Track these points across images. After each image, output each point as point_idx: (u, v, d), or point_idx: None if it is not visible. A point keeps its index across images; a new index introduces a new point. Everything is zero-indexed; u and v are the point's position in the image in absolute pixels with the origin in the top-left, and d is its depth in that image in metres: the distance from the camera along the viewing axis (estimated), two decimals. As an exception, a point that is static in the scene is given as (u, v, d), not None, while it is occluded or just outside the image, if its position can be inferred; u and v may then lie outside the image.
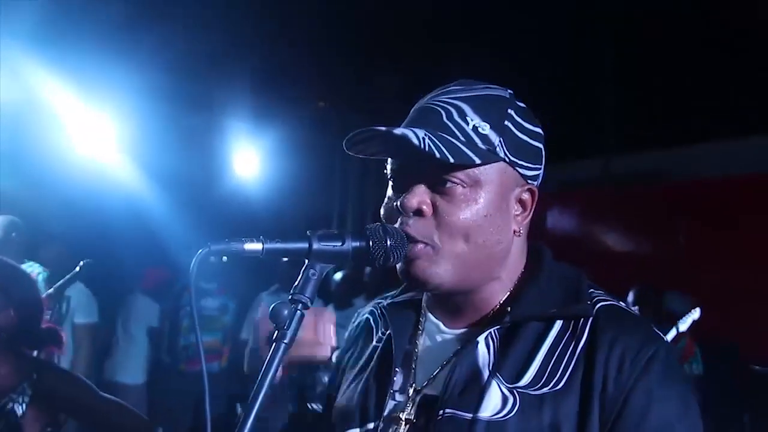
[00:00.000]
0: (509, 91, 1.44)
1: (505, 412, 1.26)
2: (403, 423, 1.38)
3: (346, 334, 1.72)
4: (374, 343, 1.59)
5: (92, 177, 7.14)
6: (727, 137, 8.10)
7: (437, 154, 1.26)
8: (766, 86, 7.22)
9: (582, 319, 1.34)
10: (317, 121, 9.52)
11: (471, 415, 1.28)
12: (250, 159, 9.31)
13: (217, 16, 7.14)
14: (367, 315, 1.69)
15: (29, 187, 6.48)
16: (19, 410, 2.49)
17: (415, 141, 1.26)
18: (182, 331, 6.91)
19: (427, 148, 1.26)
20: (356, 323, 1.71)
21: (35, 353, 2.75)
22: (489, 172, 1.34)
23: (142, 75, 6.91)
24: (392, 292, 1.66)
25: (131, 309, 7.24)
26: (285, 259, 1.24)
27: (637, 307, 5.74)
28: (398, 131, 1.28)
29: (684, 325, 5.44)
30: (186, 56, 7.27)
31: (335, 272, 7.79)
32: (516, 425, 1.25)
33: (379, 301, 1.67)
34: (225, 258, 1.19)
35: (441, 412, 1.31)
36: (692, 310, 5.46)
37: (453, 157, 1.27)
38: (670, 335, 5.40)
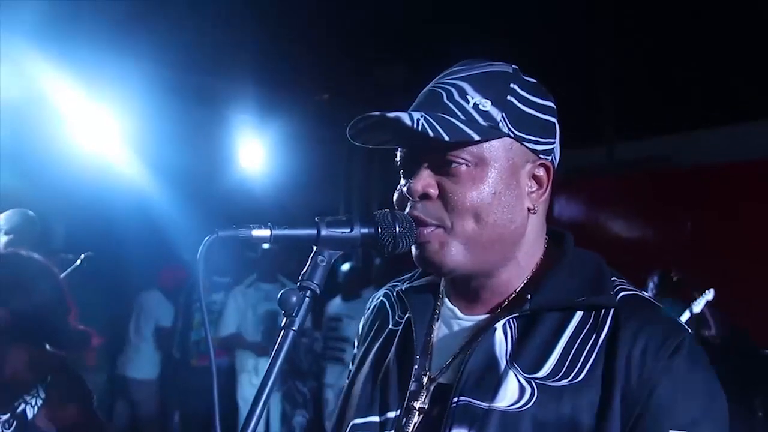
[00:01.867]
0: (513, 66, 1.41)
1: (522, 402, 1.24)
2: (417, 412, 1.36)
3: (361, 322, 1.70)
4: (391, 326, 1.57)
5: (96, 172, 7.14)
6: (732, 123, 8.09)
7: (431, 133, 1.25)
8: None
9: (603, 310, 1.31)
10: (322, 113, 9.50)
11: (486, 405, 1.25)
12: (254, 152, 9.31)
13: (220, 10, 7.13)
14: (382, 298, 1.67)
15: (32, 183, 6.48)
16: (30, 413, 2.47)
17: (408, 122, 1.25)
18: (194, 326, 6.91)
19: (420, 128, 1.25)
20: (371, 308, 1.69)
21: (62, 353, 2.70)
22: (494, 149, 1.32)
23: (146, 69, 6.91)
24: (407, 276, 1.64)
25: (143, 306, 7.28)
26: (264, 246, 1.23)
27: (655, 291, 5.77)
28: (392, 114, 1.27)
29: (698, 306, 5.45)
30: (190, 50, 7.26)
31: (343, 262, 7.81)
32: (533, 416, 1.22)
33: (395, 284, 1.64)
34: (232, 247, 1.19)
35: (455, 399, 1.28)
36: (706, 292, 5.46)
37: (448, 135, 1.26)
38: (684, 317, 5.41)
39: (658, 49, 8.13)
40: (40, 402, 2.48)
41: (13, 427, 2.41)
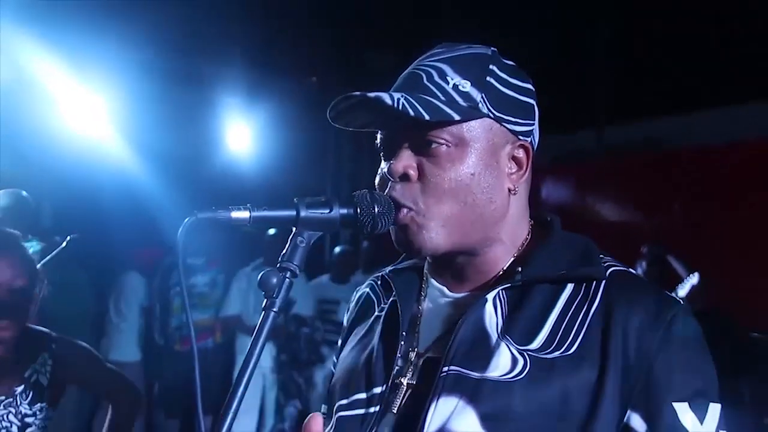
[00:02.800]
0: (492, 48, 1.42)
1: (514, 373, 1.24)
2: (404, 387, 1.36)
3: (346, 314, 1.71)
4: (377, 312, 1.57)
5: (84, 154, 7.12)
6: (721, 104, 8.09)
7: (411, 112, 1.25)
8: (762, 52, 7.20)
9: (594, 283, 1.32)
10: (310, 96, 9.49)
11: (478, 374, 1.25)
12: (242, 135, 9.30)
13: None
14: (366, 290, 1.68)
15: (20, 165, 6.46)
16: (44, 381, 2.52)
17: (389, 101, 1.25)
18: (173, 311, 6.87)
19: (401, 107, 1.25)
20: (356, 299, 1.70)
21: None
22: (474, 130, 1.32)
23: (134, 51, 6.90)
24: (393, 263, 1.64)
25: (123, 287, 7.23)
26: (271, 231, 1.24)
27: (645, 266, 5.79)
28: (372, 95, 1.27)
29: (683, 290, 5.46)
30: (177, 32, 7.23)
31: (333, 246, 7.81)
32: (525, 387, 1.22)
33: (380, 273, 1.64)
34: (213, 229, 1.18)
35: (445, 369, 1.28)
36: (690, 275, 5.48)
37: (429, 115, 1.26)
38: None
39: (649, 32, 8.13)
40: (49, 369, 2.54)
41: (30, 397, 2.47)
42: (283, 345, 6.86)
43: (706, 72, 7.88)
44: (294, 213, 1.25)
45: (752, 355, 5.65)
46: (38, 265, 2.59)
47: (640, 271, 5.78)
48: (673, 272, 5.76)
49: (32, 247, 5.04)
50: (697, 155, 7.71)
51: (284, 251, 1.26)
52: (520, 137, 1.39)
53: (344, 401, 1.43)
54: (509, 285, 1.35)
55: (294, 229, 1.27)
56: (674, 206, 7.73)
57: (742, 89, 7.65)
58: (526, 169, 1.40)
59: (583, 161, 9.37)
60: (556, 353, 1.25)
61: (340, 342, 1.68)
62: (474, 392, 1.24)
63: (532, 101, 1.42)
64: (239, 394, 1.16)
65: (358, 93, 1.29)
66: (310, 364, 7.00)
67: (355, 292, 1.73)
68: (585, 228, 1.51)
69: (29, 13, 5.78)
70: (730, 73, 7.64)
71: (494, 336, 1.29)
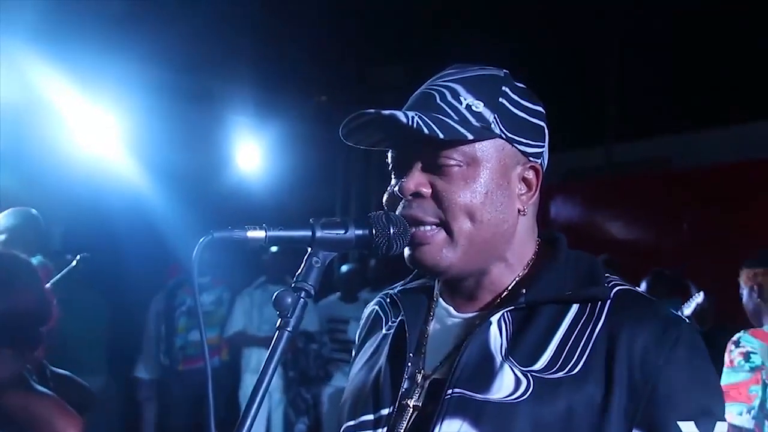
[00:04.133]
0: (504, 70, 1.43)
1: (518, 394, 1.23)
2: (411, 410, 1.35)
3: (357, 331, 1.71)
4: (384, 331, 1.57)
5: (94, 172, 7.14)
6: (729, 123, 8.11)
7: (426, 131, 1.26)
8: (768, 73, 7.22)
9: (599, 303, 1.32)
10: (319, 114, 9.51)
11: (482, 396, 1.25)
12: (252, 153, 9.31)
13: (218, 10, 7.13)
14: (375, 307, 1.68)
15: (30, 184, 6.48)
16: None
17: (404, 119, 1.26)
18: (178, 331, 6.88)
19: (415, 126, 1.26)
20: (365, 317, 1.70)
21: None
22: (486, 150, 1.33)
23: (143, 70, 6.91)
24: (402, 282, 1.64)
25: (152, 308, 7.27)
26: (273, 249, 1.24)
27: (649, 289, 5.77)
28: (387, 112, 1.28)
29: (688, 309, 5.43)
30: (188, 51, 7.26)
31: (340, 264, 7.80)
32: (529, 408, 1.22)
33: (388, 291, 1.64)
34: (228, 249, 1.19)
35: (449, 392, 1.28)
36: (696, 294, 5.45)
37: (443, 133, 1.27)
38: None
39: (658, 51, 8.15)
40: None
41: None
42: (291, 361, 6.85)
43: (715, 91, 7.89)
44: (310, 233, 1.26)
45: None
46: (48, 285, 2.56)
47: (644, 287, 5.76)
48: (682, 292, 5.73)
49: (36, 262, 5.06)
50: (706, 173, 7.71)
51: (299, 271, 1.26)
52: (531, 159, 1.39)
53: (352, 422, 1.43)
54: (513, 307, 1.35)
55: (309, 249, 1.27)
56: (683, 224, 7.72)
57: (750, 108, 7.66)
58: (536, 190, 1.41)
59: (593, 178, 9.37)
60: (560, 373, 1.25)
61: (352, 360, 1.68)
62: (478, 414, 1.24)
63: (542, 123, 1.42)
64: (252, 413, 1.16)
65: (372, 111, 1.30)
66: (318, 381, 6.98)
67: (365, 309, 1.73)
68: (593, 245, 1.52)
69: (39, 33, 5.80)
70: (738, 93, 7.65)
71: (498, 358, 1.30)
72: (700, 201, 7.51)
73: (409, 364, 1.41)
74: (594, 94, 9.21)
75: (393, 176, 1.42)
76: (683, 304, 5.45)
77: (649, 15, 7.69)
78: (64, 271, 5.03)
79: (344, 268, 7.55)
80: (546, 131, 1.43)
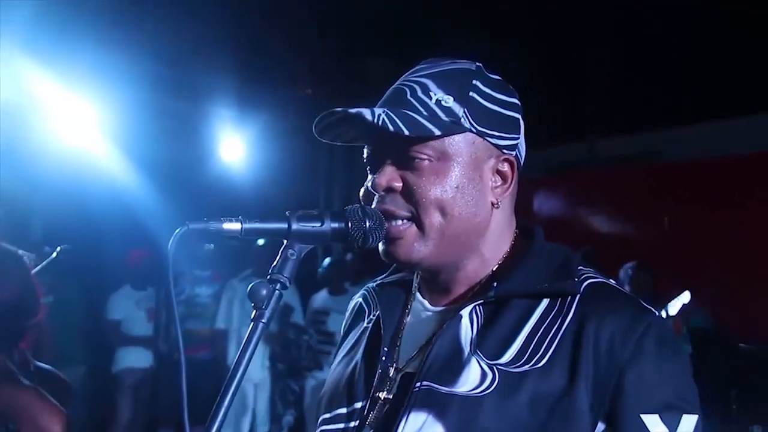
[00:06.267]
0: (477, 63, 1.43)
1: (482, 388, 1.25)
2: (382, 402, 1.37)
3: (338, 322, 1.72)
4: (365, 324, 1.58)
5: (75, 164, 7.10)
6: (713, 119, 8.15)
7: (391, 128, 1.27)
8: (752, 68, 7.25)
9: (569, 297, 1.32)
10: (303, 107, 9.49)
11: (447, 389, 1.27)
12: (235, 145, 9.28)
13: (202, 2, 7.10)
14: (359, 299, 1.69)
15: (10, 175, 6.43)
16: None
17: (369, 117, 1.28)
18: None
19: (381, 123, 1.27)
20: (350, 310, 1.72)
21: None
22: (456, 144, 1.34)
23: (126, 62, 6.87)
24: (382, 275, 1.66)
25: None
26: (261, 241, 1.24)
27: (632, 279, 5.79)
28: (354, 110, 1.29)
29: (673, 308, 5.46)
30: (171, 43, 7.23)
31: (324, 257, 7.80)
32: (493, 402, 1.23)
33: (370, 284, 1.66)
34: (206, 240, 1.19)
35: (417, 384, 1.30)
36: (681, 294, 5.48)
37: (409, 130, 1.28)
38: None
39: (641, 46, 8.18)
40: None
41: None
42: (281, 354, 6.85)
43: (697, 86, 7.93)
44: (285, 226, 1.26)
45: (740, 365, 5.68)
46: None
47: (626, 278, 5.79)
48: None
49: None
50: (688, 169, 7.76)
51: (275, 263, 1.27)
52: (504, 151, 1.40)
53: (327, 415, 1.46)
54: (483, 300, 1.36)
55: (285, 241, 1.28)
56: (665, 218, 7.76)
57: (734, 104, 7.70)
58: (511, 182, 1.42)
59: (576, 173, 9.41)
60: (526, 366, 1.26)
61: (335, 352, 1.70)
62: (442, 407, 1.25)
63: (516, 115, 1.43)
64: (225, 404, 1.17)
65: (340, 109, 1.31)
66: (309, 371, 6.99)
67: (351, 301, 1.74)
68: (577, 239, 1.53)
69: (20, 25, 5.76)
70: (722, 88, 7.69)
71: (466, 350, 1.31)
72: (682, 196, 7.55)
73: (383, 358, 1.43)
74: (577, 88, 9.24)
75: (368, 171, 1.43)
76: (667, 303, 5.48)
77: (633, 9, 7.71)
78: (44, 262, 5.01)
79: (327, 260, 7.55)
80: (521, 123, 1.44)
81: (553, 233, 1.49)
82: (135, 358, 7.17)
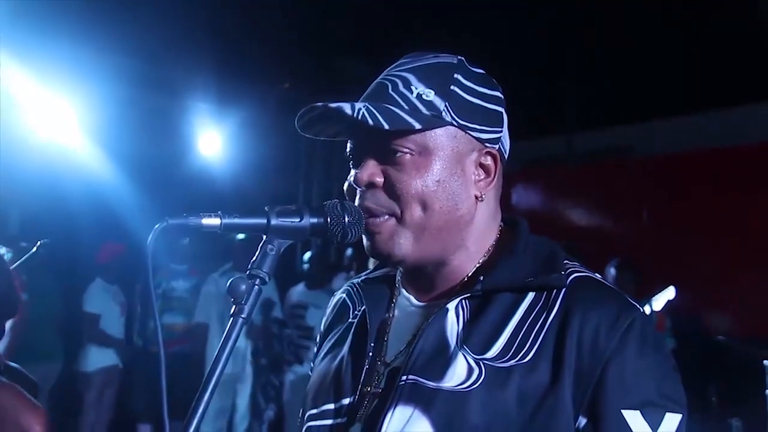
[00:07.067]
0: (459, 57, 1.43)
1: (469, 383, 1.24)
2: (371, 397, 1.37)
3: (316, 317, 1.72)
4: (350, 320, 1.57)
5: (52, 159, 7.07)
6: (690, 113, 8.20)
7: (371, 122, 1.26)
8: (727, 61, 7.30)
9: (555, 290, 1.32)
10: (281, 102, 9.47)
11: (434, 384, 1.26)
12: (213, 140, 9.26)
13: (179, -2, 7.07)
14: (342, 295, 1.68)
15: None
16: None
17: (349, 111, 1.27)
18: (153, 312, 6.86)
19: (360, 117, 1.26)
20: (332, 304, 1.70)
21: None
22: (438, 138, 1.33)
23: (104, 57, 6.85)
24: (367, 271, 1.66)
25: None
26: (240, 236, 1.24)
27: (615, 279, 5.81)
28: (334, 105, 1.28)
29: (658, 304, 5.48)
30: (148, 38, 7.19)
31: (304, 251, 7.80)
32: (479, 397, 1.22)
33: (354, 280, 1.66)
34: (185, 235, 1.19)
35: (403, 378, 1.29)
36: (666, 289, 5.50)
37: (389, 124, 1.27)
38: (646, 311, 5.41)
39: (617, 39, 8.21)
40: None
41: None
42: (263, 349, 6.84)
43: (676, 80, 7.97)
44: (264, 221, 1.26)
45: (720, 359, 5.72)
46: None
47: (610, 277, 5.81)
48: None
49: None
50: (666, 162, 7.81)
51: (254, 258, 1.26)
52: (487, 144, 1.39)
53: (314, 411, 1.45)
54: (469, 294, 1.36)
55: (264, 236, 1.27)
56: (643, 212, 7.81)
57: (711, 97, 7.75)
58: (494, 176, 1.41)
59: (554, 167, 9.44)
60: (512, 362, 1.25)
61: (316, 347, 1.68)
62: (429, 401, 1.25)
63: (499, 108, 1.42)
64: (205, 398, 1.16)
65: (320, 104, 1.30)
66: (290, 366, 6.98)
67: (332, 297, 1.73)
68: (553, 232, 1.53)
69: (-2, 20, 5.73)
70: (699, 81, 7.74)
71: (452, 345, 1.31)
72: (660, 189, 7.60)
73: (370, 353, 1.43)
74: (554, 82, 9.26)
75: (351, 166, 1.42)
76: (651, 298, 5.50)
77: (609, 2, 7.73)
78: (24, 257, 4.99)
79: (307, 255, 7.55)
80: (504, 116, 1.43)
81: (532, 228, 1.47)
82: (107, 356, 7.11)
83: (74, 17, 6.33)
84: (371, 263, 2.67)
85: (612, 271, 5.88)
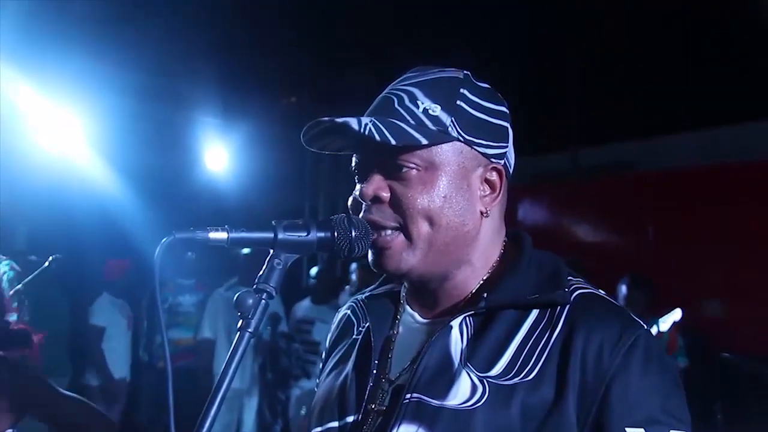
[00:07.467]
0: (465, 72, 1.42)
1: (473, 401, 1.24)
2: (375, 414, 1.36)
3: (322, 332, 1.71)
4: (354, 335, 1.57)
5: (60, 174, 7.08)
6: (695, 129, 8.19)
7: (378, 137, 1.26)
8: (732, 78, 7.30)
9: (558, 308, 1.31)
10: (288, 116, 9.49)
11: (438, 402, 1.26)
12: (220, 154, 9.27)
13: (187, 11, 7.09)
14: (347, 311, 1.67)
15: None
16: None
17: (355, 126, 1.27)
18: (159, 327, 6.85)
19: (367, 132, 1.26)
20: (337, 321, 1.69)
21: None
22: (444, 153, 1.33)
23: (111, 71, 6.86)
24: (372, 286, 1.65)
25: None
26: (245, 250, 1.24)
27: (626, 296, 5.78)
28: (340, 120, 1.28)
29: (665, 324, 5.44)
30: (155, 52, 7.21)
31: (311, 266, 7.78)
32: (484, 415, 1.22)
33: (358, 296, 1.65)
34: (191, 250, 1.19)
35: (407, 396, 1.29)
36: (673, 311, 5.46)
37: (396, 139, 1.27)
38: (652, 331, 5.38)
39: (623, 56, 8.21)
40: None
41: None
42: (270, 363, 6.82)
43: (680, 95, 7.97)
44: (272, 235, 1.26)
45: (725, 376, 5.69)
46: (19, 285, 2.52)
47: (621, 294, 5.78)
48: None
49: (5, 272, 5.01)
50: (671, 178, 7.78)
51: (261, 273, 1.26)
52: (493, 160, 1.39)
53: (318, 429, 1.44)
54: (473, 312, 1.35)
55: (271, 251, 1.27)
56: (648, 228, 7.78)
57: (715, 113, 7.74)
58: (500, 191, 1.40)
59: (559, 183, 9.43)
60: (516, 379, 1.25)
61: (321, 363, 1.68)
62: (433, 420, 1.25)
63: (505, 124, 1.42)
64: (212, 413, 1.17)
65: (327, 118, 1.30)
66: (298, 381, 6.96)
67: (337, 313, 1.72)
68: (559, 248, 1.52)
69: (5, 34, 5.74)
70: (703, 97, 7.72)
71: (456, 363, 1.30)
72: (665, 205, 7.57)
73: (374, 370, 1.42)
74: (559, 98, 9.26)
75: (356, 180, 1.42)
76: (658, 318, 5.48)
77: (613, 20, 7.74)
78: (36, 271, 5.00)
79: (314, 270, 7.53)
80: (509, 131, 1.43)
81: (537, 244, 1.47)
82: (114, 370, 7.10)
83: (81, 32, 6.35)
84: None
85: (623, 288, 5.85)
